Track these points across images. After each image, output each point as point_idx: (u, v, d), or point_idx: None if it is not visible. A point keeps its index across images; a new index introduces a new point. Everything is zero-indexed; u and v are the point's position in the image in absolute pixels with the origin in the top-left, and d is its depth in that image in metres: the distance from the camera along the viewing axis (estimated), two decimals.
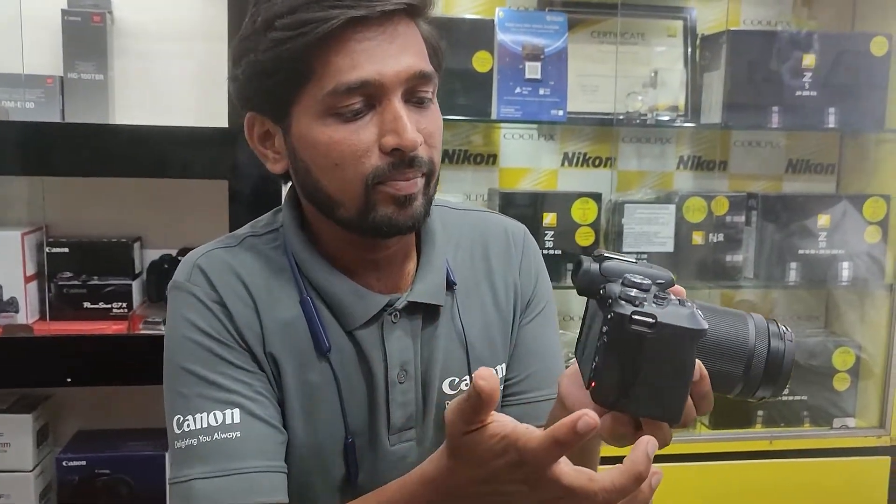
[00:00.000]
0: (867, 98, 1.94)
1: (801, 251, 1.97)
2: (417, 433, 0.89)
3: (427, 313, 0.89)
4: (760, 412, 2.01)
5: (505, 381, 0.96)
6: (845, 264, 1.98)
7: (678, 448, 1.88)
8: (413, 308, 0.87)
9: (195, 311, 0.80)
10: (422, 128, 0.78)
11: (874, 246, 1.98)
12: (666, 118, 1.97)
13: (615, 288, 0.58)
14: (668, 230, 1.91)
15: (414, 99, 0.79)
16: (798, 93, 1.91)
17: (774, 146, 2.13)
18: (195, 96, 1.74)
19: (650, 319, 0.56)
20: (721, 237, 1.94)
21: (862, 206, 1.97)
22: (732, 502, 1.92)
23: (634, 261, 0.64)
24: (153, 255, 1.77)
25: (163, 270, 1.73)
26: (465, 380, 0.92)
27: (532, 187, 2.03)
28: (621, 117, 1.92)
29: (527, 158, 2.04)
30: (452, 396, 0.91)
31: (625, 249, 1.89)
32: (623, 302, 0.57)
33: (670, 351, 0.57)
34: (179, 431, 0.78)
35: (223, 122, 1.55)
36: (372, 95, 0.76)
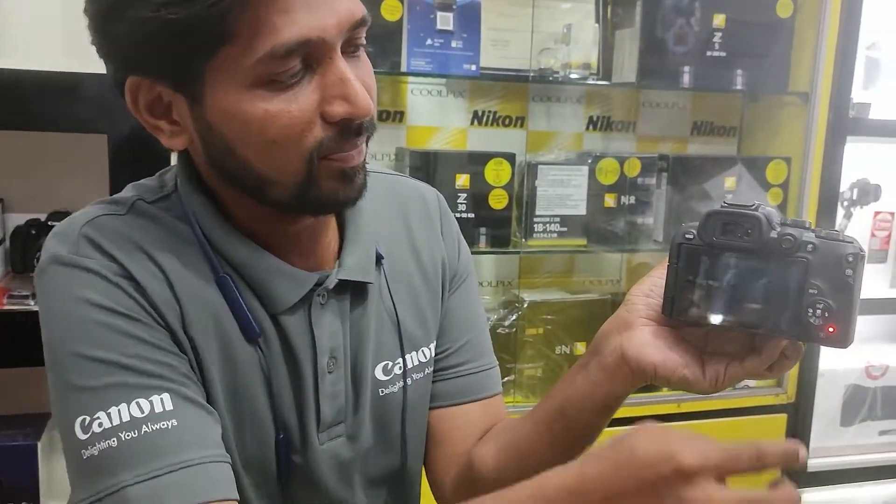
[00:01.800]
0: (772, 60, 1.94)
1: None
2: (349, 427, 0.80)
3: (356, 292, 0.79)
4: None
5: (437, 356, 0.88)
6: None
7: None
8: (342, 287, 0.77)
9: (93, 289, 0.65)
10: (362, 83, 0.67)
11: (776, 209, 2.00)
12: (578, 76, 1.90)
13: (796, 232, 0.60)
14: (581, 192, 1.86)
15: (350, 49, 0.67)
16: (708, 53, 1.89)
17: (681, 108, 2.12)
18: (65, 36, 1.52)
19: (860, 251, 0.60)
20: (633, 199, 1.91)
21: (765, 168, 1.99)
22: None
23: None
24: (17, 219, 1.55)
25: (29, 237, 1.52)
26: (399, 363, 0.83)
27: (441, 147, 1.92)
28: (534, 74, 1.84)
29: (435, 116, 1.92)
30: (386, 383, 0.83)
31: (538, 213, 1.83)
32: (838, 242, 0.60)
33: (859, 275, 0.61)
34: (87, 436, 0.62)
35: (100, 67, 1.35)
36: (311, 55, 0.63)
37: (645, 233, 1.94)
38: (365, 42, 0.69)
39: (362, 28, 0.67)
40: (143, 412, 0.63)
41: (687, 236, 0.65)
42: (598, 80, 1.94)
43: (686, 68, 1.89)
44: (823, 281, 0.60)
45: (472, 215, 1.77)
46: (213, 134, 0.66)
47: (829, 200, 1.97)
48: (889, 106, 2.02)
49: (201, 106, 0.65)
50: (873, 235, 2.15)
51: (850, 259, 0.60)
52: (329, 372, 0.77)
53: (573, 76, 1.89)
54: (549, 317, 1.87)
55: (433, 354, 0.88)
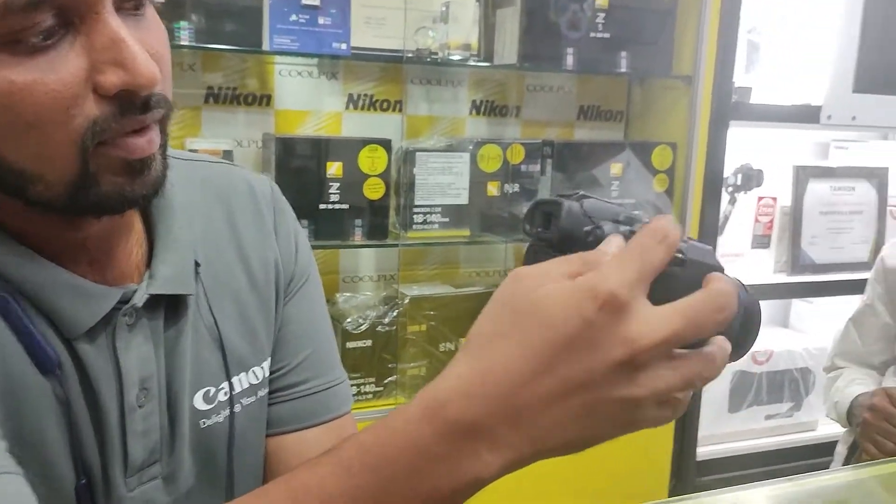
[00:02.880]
0: (655, 42, 1.89)
1: None
2: (165, 468, 0.66)
3: (171, 308, 0.66)
4: None
5: (272, 375, 0.76)
6: (635, 213, 1.94)
7: None
8: (154, 303, 0.64)
9: None
10: (148, 49, 0.53)
11: (661, 195, 1.96)
12: (458, 58, 1.80)
13: (610, 228, 0.50)
14: (462, 181, 1.76)
15: (128, 4, 0.53)
16: (592, 34, 1.82)
17: (566, 92, 2.05)
18: None
19: (681, 256, 0.47)
20: (517, 187, 1.82)
21: (651, 153, 1.94)
22: (537, 467, 1.84)
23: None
24: None
25: None
26: (224, 388, 0.70)
27: (313, 132, 1.78)
28: (410, 55, 1.72)
29: (306, 100, 1.78)
30: (209, 412, 0.69)
31: (418, 202, 1.72)
32: None
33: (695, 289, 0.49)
34: None
35: None
36: (68, 8, 0.49)
37: None
38: None
39: None
40: None
41: (526, 227, 0.57)
42: (478, 61, 1.84)
43: (570, 50, 1.81)
44: None
45: (345, 206, 1.64)
46: None
47: (713, 186, 1.94)
48: (769, 89, 2.01)
49: None
50: (757, 221, 2.15)
51: None
52: (139, 406, 0.63)
53: (453, 58, 1.78)
54: (432, 312, 1.77)
55: (267, 374, 0.75)
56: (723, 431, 2.15)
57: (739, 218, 2.11)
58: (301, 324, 0.79)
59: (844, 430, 1.64)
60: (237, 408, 0.72)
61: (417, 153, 1.71)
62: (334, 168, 1.63)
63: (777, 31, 2.05)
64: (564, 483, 1.94)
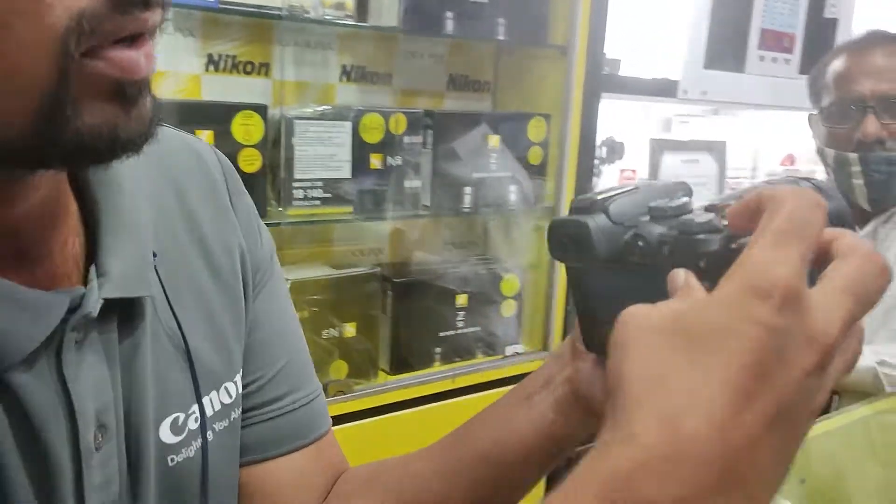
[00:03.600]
0: (531, 9, 1.84)
1: (474, 174, 1.83)
2: None
3: (125, 313, 0.50)
4: (438, 349, 1.86)
5: (244, 391, 0.62)
6: (512, 188, 1.90)
7: (359, 404, 1.65)
8: (106, 309, 0.48)
9: None
10: None
11: (537, 167, 1.93)
12: (333, 17, 1.64)
13: (658, 230, 0.42)
14: (344, 152, 1.61)
15: None
16: None
17: (437, 59, 1.95)
18: None
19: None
20: (399, 160, 1.70)
21: (527, 125, 1.90)
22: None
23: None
24: None
25: None
26: (194, 412, 0.55)
27: (170, 96, 1.54)
28: (284, 12, 1.54)
29: (161, 60, 1.54)
30: (178, 446, 0.54)
31: (297, 176, 1.55)
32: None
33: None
34: None
35: None
36: None
37: (413, 197, 1.75)
38: None
39: None
40: None
41: (557, 254, 0.49)
42: (355, 22, 1.69)
43: (449, 14, 1.71)
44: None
45: None
46: None
47: (587, 159, 1.94)
48: (632, 63, 2.04)
49: None
50: None
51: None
52: (97, 449, 0.48)
53: (328, 17, 1.62)
54: (314, 297, 1.61)
55: (240, 390, 0.61)
56: None
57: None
58: (273, 326, 0.65)
59: None
60: (210, 435, 0.57)
61: (296, 121, 1.54)
62: (205, 136, 1.42)
63: (641, 5, 2.08)
64: None
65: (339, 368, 1.68)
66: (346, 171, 1.62)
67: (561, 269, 1.95)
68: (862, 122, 1.41)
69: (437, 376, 1.79)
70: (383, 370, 1.77)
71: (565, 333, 2.00)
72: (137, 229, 0.52)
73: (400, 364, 1.79)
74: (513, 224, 1.96)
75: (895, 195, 1.46)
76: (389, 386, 1.72)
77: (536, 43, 1.88)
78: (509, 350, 1.95)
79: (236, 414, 0.60)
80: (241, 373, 0.61)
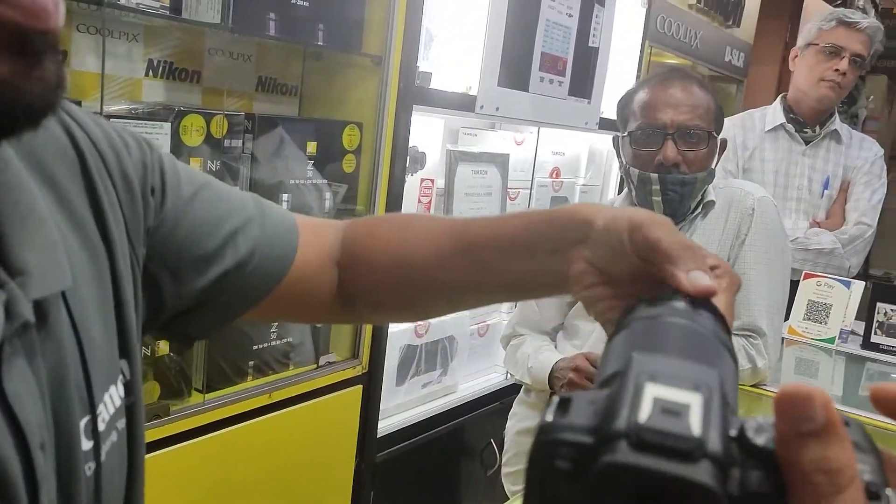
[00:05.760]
0: (347, 17, 1.83)
1: (292, 181, 1.78)
2: None
3: (40, 312, 0.46)
4: (252, 362, 1.78)
5: (212, 272, 0.65)
6: (328, 194, 1.87)
7: (176, 427, 1.53)
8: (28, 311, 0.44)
9: None
10: None
11: (350, 175, 1.92)
12: (148, 8, 1.50)
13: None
14: None
15: None
16: (294, 1, 1.68)
17: (246, 60, 1.86)
18: None
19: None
20: (219, 165, 1.60)
21: (342, 133, 1.88)
22: (239, 471, 1.67)
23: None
24: None
25: None
26: (101, 410, 0.51)
27: None
28: None
29: None
30: (89, 454, 0.50)
31: None
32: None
33: None
34: None
35: None
36: None
37: None
38: None
39: None
40: None
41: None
42: (168, 13, 1.55)
43: (272, 15, 1.65)
44: None
45: None
46: None
47: (399, 168, 1.97)
48: (437, 77, 2.11)
49: None
50: (420, 202, 2.24)
51: None
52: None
53: (144, 6, 1.48)
54: None
55: (129, 377, 0.56)
56: (392, 405, 2.22)
57: (408, 199, 2.18)
58: (203, 204, 0.65)
59: (533, 390, 1.83)
60: (114, 436, 0.53)
61: (112, 120, 1.38)
62: None
63: (448, 22, 2.15)
64: (282, 450, 1.82)
65: (152, 391, 1.54)
66: None
67: None
68: (662, 147, 1.60)
69: (252, 392, 1.71)
70: (196, 389, 1.65)
71: (375, 341, 2.02)
72: (38, 212, 0.46)
73: (213, 381, 1.69)
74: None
75: (684, 212, 1.68)
76: (207, 406, 1.61)
77: (351, 51, 1.87)
78: (322, 360, 1.92)
79: (133, 399, 0.56)
80: (128, 360, 0.56)
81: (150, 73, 1.65)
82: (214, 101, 1.78)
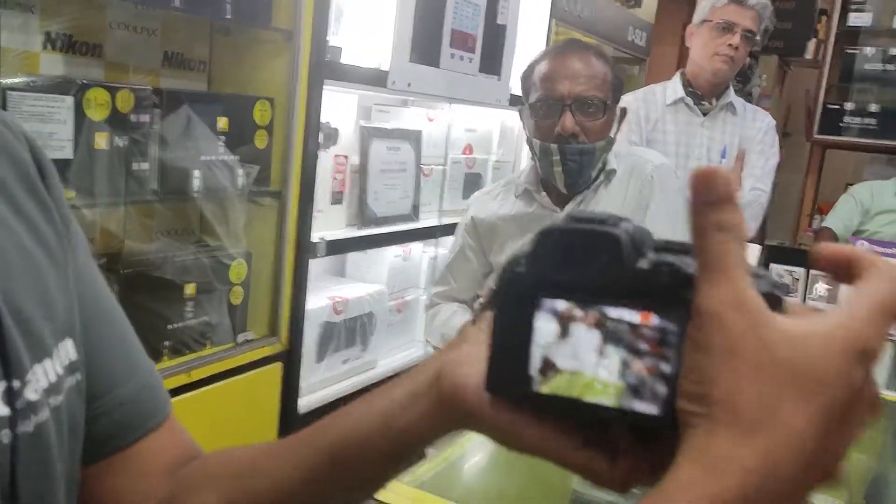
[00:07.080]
0: None
1: (203, 157, 1.75)
2: None
3: None
4: (167, 343, 1.76)
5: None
6: (240, 171, 1.85)
7: None
8: None
9: None
10: None
11: (263, 152, 1.91)
12: None
13: (677, 260, 0.38)
14: (66, 130, 1.44)
15: None
16: None
17: (152, 34, 1.82)
18: None
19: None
20: (127, 140, 1.57)
21: (253, 108, 1.86)
22: None
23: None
24: None
25: None
26: (30, 380, 0.51)
27: None
28: None
29: None
30: (6, 420, 0.50)
31: None
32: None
33: None
34: None
35: None
36: None
37: (141, 181, 1.62)
38: None
39: None
40: None
41: (517, 270, 0.41)
42: None
43: None
44: None
45: None
46: None
47: (312, 144, 1.97)
48: (348, 52, 2.10)
49: None
50: (334, 178, 2.24)
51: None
52: None
53: None
54: None
55: (74, 357, 0.55)
56: (313, 381, 2.22)
57: (321, 175, 2.17)
58: (98, 300, 0.61)
59: None
60: (45, 412, 0.52)
61: (10, 92, 1.34)
62: None
63: None
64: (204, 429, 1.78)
65: None
66: (68, 151, 1.45)
67: (288, 255, 1.95)
68: (561, 117, 1.65)
69: (171, 371, 1.69)
70: None
71: (293, 318, 2.01)
72: None
73: None
74: (239, 209, 1.91)
75: (586, 180, 1.74)
76: None
77: (260, 25, 1.85)
78: (241, 338, 1.91)
79: (82, 376, 0.56)
80: (71, 343, 0.55)
81: (49, 46, 1.59)
82: (118, 77, 1.73)
